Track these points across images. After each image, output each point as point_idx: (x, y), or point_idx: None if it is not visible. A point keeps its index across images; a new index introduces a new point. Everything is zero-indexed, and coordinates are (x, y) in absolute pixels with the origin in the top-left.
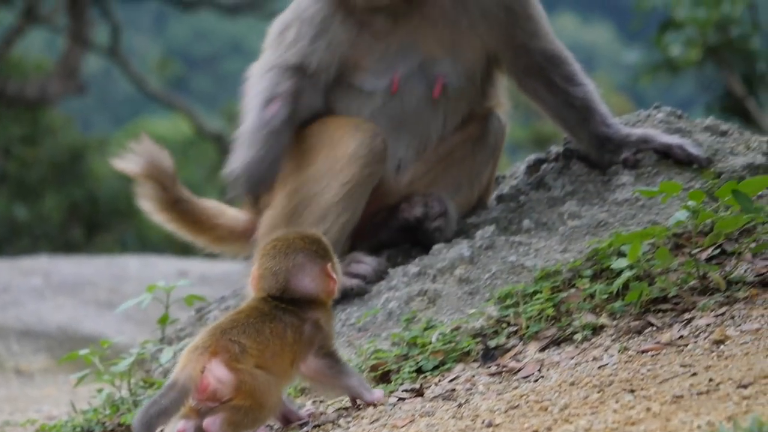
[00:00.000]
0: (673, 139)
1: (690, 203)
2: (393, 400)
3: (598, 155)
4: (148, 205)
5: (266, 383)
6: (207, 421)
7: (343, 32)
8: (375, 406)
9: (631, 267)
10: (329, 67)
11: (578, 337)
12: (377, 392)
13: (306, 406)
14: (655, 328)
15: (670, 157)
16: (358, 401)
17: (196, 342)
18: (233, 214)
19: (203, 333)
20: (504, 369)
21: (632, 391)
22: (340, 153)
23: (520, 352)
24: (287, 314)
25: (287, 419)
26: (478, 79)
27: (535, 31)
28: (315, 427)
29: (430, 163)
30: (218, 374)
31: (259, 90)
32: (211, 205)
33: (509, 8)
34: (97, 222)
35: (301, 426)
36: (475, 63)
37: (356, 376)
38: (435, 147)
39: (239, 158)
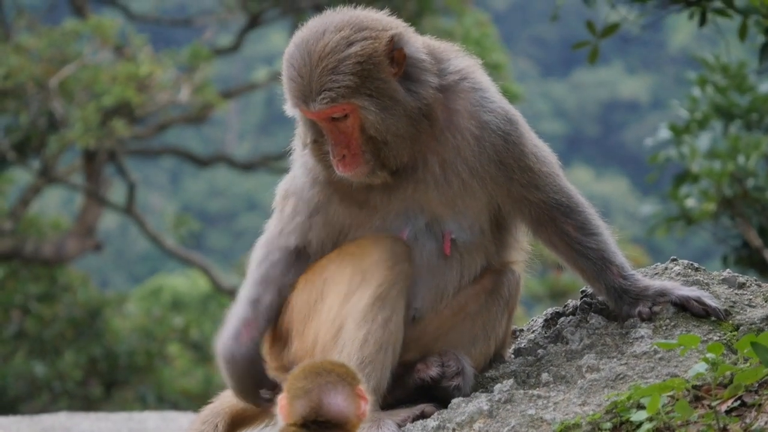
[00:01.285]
0: (691, 292)
1: (709, 355)
2: None
3: (616, 307)
4: None
5: None
6: None
7: (342, 211)
8: None
9: (650, 419)
10: (328, 242)
11: None
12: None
13: None
14: None
15: (688, 310)
16: None
17: None
18: None
19: None
20: None
21: None
22: (366, 262)
23: None
24: None
25: None
26: (487, 231)
27: (535, 182)
28: None
29: (444, 316)
30: None
31: (254, 269)
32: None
33: (501, 162)
34: (116, 378)
35: None
36: (480, 217)
37: None
38: (450, 299)
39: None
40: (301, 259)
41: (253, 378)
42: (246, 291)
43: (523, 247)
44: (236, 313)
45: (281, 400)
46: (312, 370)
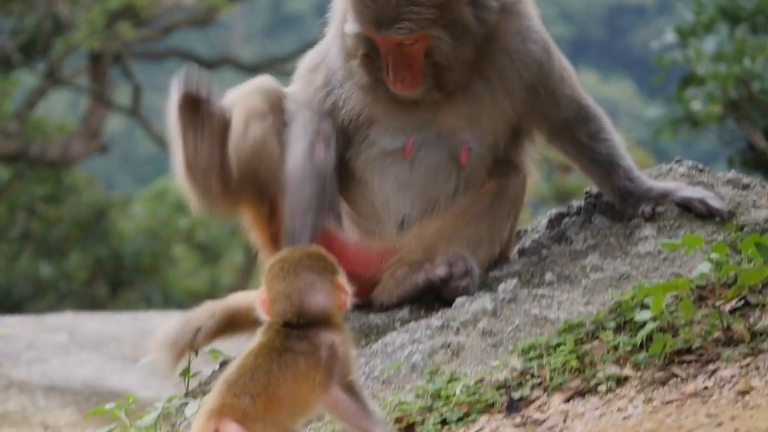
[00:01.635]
0: (694, 193)
1: (713, 255)
2: None
3: (621, 207)
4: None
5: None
6: None
7: (366, 91)
8: None
9: (654, 319)
10: (353, 117)
11: (602, 388)
12: None
13: None
14: (679, 379)
15: (691, 211)
16: None
17: (206, 404)
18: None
19: (213, 390)
20: (529, 420)
21: None
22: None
23: (545, 404)
24: (299, 341)
25: None
26: (501, 144)
27: (557, 102)
28: None
29: (447, 218)
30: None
31: (302, 132)
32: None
33: (532, 87)
34: (121, 279)
35: None
36: (497, 132)
37: (383, 427)
38: (448, 205)
39: (297, 205)
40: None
41: (327, 196)
42: (300, 123)
43: (531, 153)
44: (299, 135)
45: (261, 295)
46: (290, 269)
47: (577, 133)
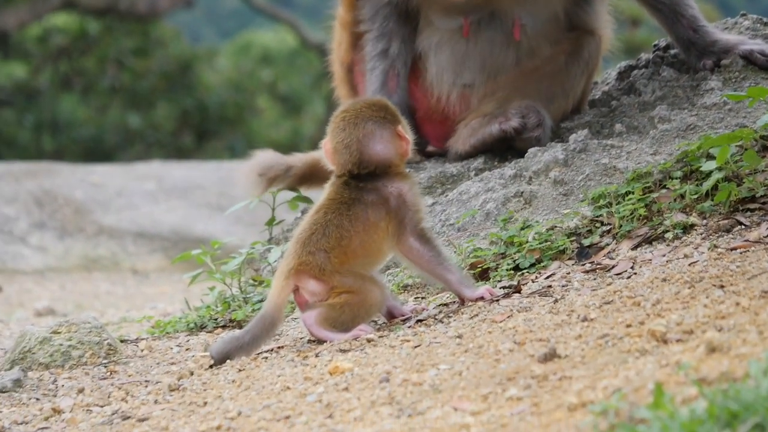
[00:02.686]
0: (756, 45)
1: None
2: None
3: (686, 57)
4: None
5: (359, 283)
6: (304, 316)
7: None
8: (476, 301)
9: (719, 168)
10: (413, 4)
11: (669, 235)
12: (482, 288)
13: (409, 303)
14: (743, 227)
15: (753, 63)
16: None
17: (282, 265)
18: None
19: (288, 249)
20: (598, 266)
21: (722, 286)
22: None
23: (614, 250)
24: (366, 193)
25: (391, 314)
26: (561, 18)
27: None
28: (417, 321)
29: (521, 74)
30: (310, 289)
31: (371, 59)
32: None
33: None
34: (207, 129)
35: (404, 321)
36: (556, 3)
37: (457, 272)
38: (513, 70)
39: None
40: (409, 16)
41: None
42: (371, 47)
43: (604, 14)
44: (372, 69)
45: (325, 144)
46: (350, 119)
47: None
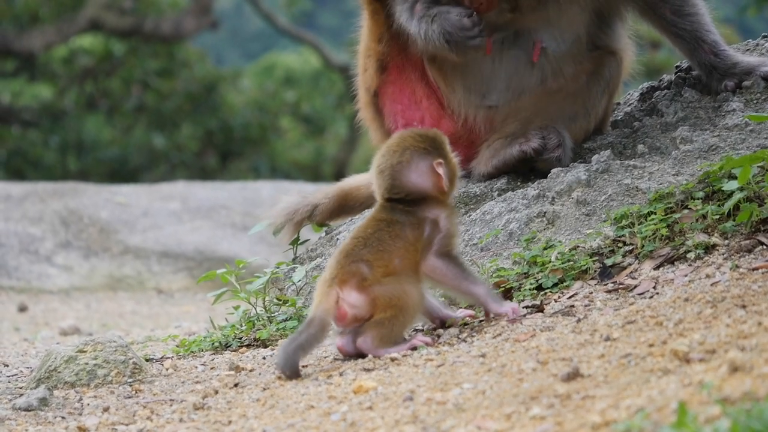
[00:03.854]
0: None
1: None
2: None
3: (707, 82)
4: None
5: (399, 289)
6: (359, 341)
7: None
8: (504, 317)
9: (741, 189)
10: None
11: (691, 255)
12: (508, 305)
13: (461, 310)
14: (765, 247)
15: None
16: (490, 312)
17: (325, 274)
18: (370, 177)
19: (331, 261)
20: (620, 286)
21: (744, 306)
22: None
23: (636, 270)
24: (405, 215)
25: (441, 321)
26: (584, 39)
27: None
28: (440, 344)
29: (542, 95)
30: (351, 301)
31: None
32: (348, 185)
33: None
34: (231, 150)
35: (431, 338)
36: (577, 27)
37: (483, 286)
38: (537, 89)
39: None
40: None
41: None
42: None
43: (625, 37)
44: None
45: (370, 173)
46: (390, 147)
47: (661, 9)
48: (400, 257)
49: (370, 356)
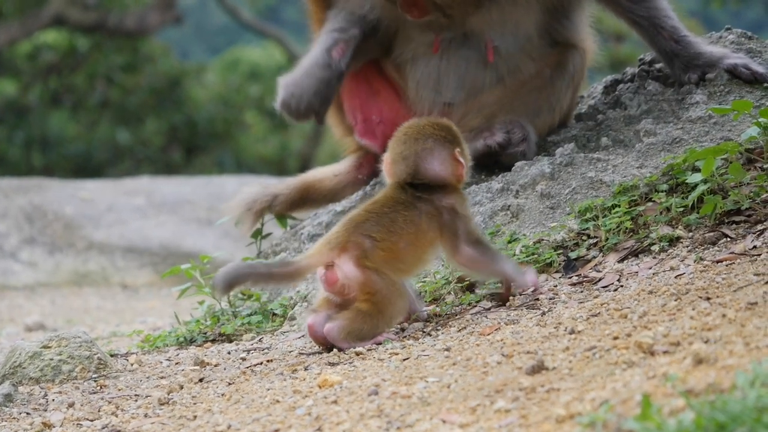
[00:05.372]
0: (739, 59)
1: (761, 120)
2: (479, 309)
3: (670, 70)
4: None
5: (389, 290)
6: (327, 326)
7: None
8: (533, 290)
9: (705, 181)
10: (385, 18)
11: (655, 248)
12: (530, 276)
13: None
14: (729, 239)
15: (737, 77)
16: (513, 285)
17: (330, 235)
18: (333, 169)
19: (339, 225)
20: (585, 279)
21: (708, 298)
22: None
23: (600, 263)
24: (422, 202)
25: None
26: (535, 37)
27: None
28: (405, 338)
29: (506, 89)
30: (346, 270)
31: (329, 30)
32: (311, 177)
33: None
34: (196, 144)
35: (396, 333)
36: (528, 26)
37: (510, 262)
38: (496, 86)
39: (291, 80)
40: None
41: (326, 93)
42: (328, 27)
43: (586, 29)
44: (323, 41)
45: (386, 158)
46: (412, 134)
47: None
48: (407, 242)
49: (335, 351)
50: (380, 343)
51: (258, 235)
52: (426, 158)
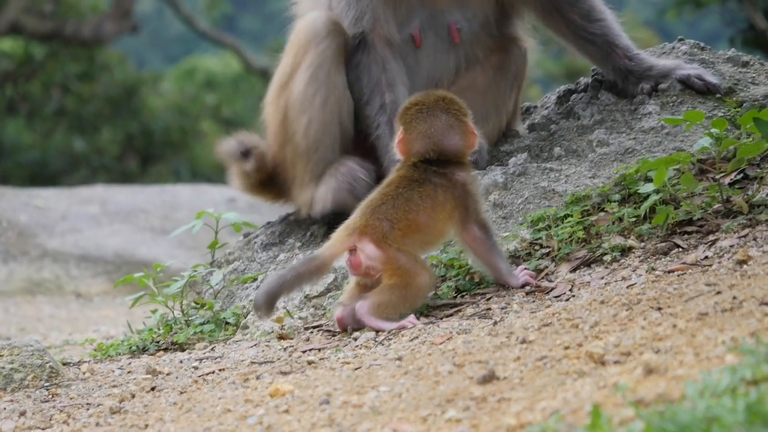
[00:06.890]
0: (692, 70)
1: (713, 131)
2: (431, 319)
3: (623, 86)
4: (238, 183)
5: (413, 262)
6: (359, 304)
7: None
8: (522, 286)
9: (657, 191)
10: (367, 27)
11: (607, 258)
12: (522, 276)
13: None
14: (680, 250)
15: (690, 87)
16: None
17: (348, 221)
18: None
19: (356, 211)
20: (537, 289)
21: (659, 308)
22: (297, 47)
23: (552, 273)
24: (437, 176)
25: None
26: (492, 20)
27: None
28: (357, 347)
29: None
30: (368, 252)
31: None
32: None
33: None
34: (151, 153)
35: (348, 344)
36: (487, 10)
37: (506, 261)
38: (453, 81)
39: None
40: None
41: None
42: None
43: (526, 27)
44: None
45: (399, 137)
46: (428, 111)
47: (568, 13)
48: (426, 216)
49: (289, 356)
50: (405, 328)
51: (213, 245)
52: (448, 133)
